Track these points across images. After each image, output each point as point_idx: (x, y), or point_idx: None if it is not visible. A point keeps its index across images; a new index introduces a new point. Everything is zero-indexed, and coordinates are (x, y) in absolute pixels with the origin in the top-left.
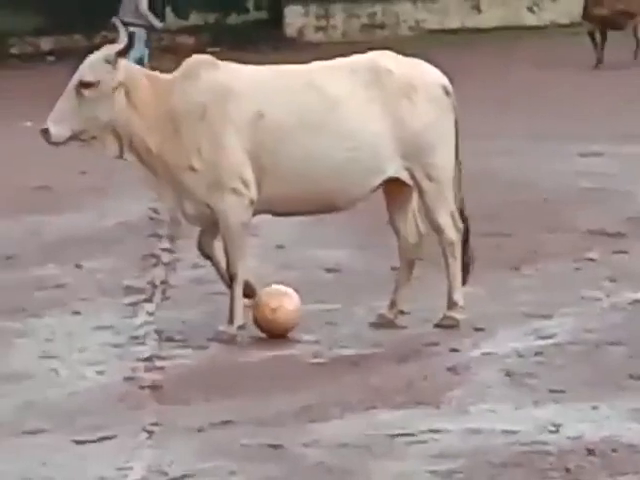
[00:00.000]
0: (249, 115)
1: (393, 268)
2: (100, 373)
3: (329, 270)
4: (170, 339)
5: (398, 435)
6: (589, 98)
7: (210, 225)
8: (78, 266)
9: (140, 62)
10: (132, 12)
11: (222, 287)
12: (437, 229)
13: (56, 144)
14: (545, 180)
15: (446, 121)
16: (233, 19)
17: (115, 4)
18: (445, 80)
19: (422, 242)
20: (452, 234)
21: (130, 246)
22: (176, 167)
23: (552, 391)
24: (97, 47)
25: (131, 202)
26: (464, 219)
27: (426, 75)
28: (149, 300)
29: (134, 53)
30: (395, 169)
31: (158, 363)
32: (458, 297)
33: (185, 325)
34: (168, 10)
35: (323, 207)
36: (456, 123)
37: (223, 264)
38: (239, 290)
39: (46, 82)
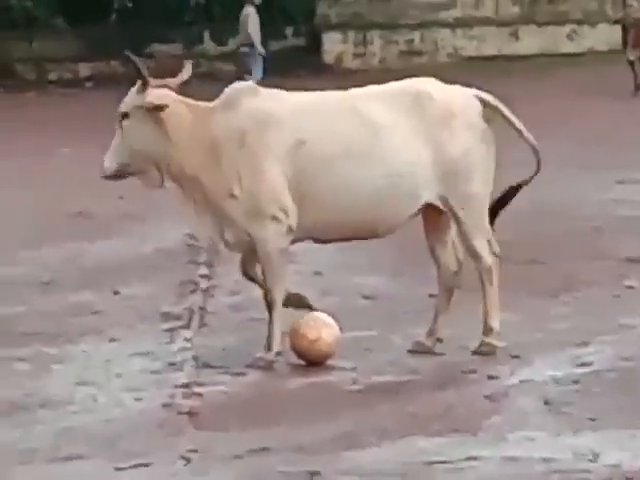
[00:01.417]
0: (290, 143)
1: (430, 295)
2: (138, 399)
3: (366, 297)
4: (208, 365)
5: (435, 463)
6: (627, 125)
7: (250, 252)
8: (115, 292)
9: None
10: (244, 32)
11: (260, 314)
12: (474, 255)
13: (108, 178)
14: (584, 208)
15: (484, 148)
16: (272, 45)
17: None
18: (482, 107)
19: (461, 270)
20: (489, 260)
21: (168, 272)
22: (216, 194)
23: (590, 419)
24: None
25: (169, 228)
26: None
27: (466, 102)
28: (187, 326)
29: (258, 73)
30: (430, 195)
31: (196, 389)
32: (495, 323)
33: (223, 351)
34: (206, 36)
35: (362, 233)
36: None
37: None
38: (277, 316)
39: (84, 108)
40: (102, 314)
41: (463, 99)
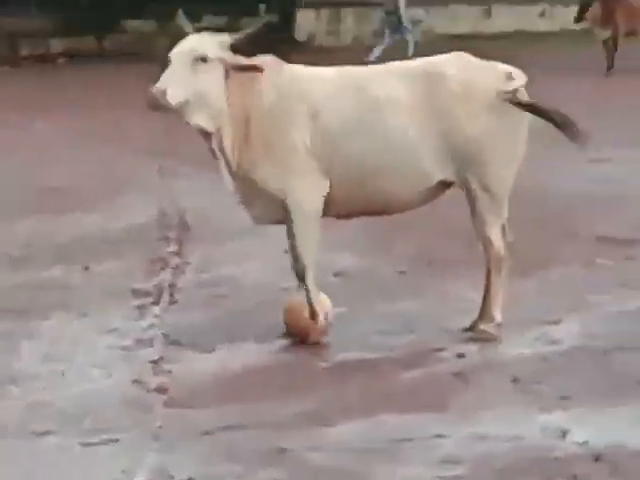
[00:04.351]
0: (308, 113)
1: (400, 272)
2: (107, 376)
3: (336, 274)
4: (177, 342)
5: (403, 440)
6: (600, 104)
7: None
8: (85, 268)
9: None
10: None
11: (229, 290)
12: (486, 241)
13: (167, 108)
14: (553, 186)
15: (509, 131)
16: (244, 22)
17: (122, 6)
18: (514, 87)
19: (509, 253)
20: (501, 249)
21: (138, 249)
22: (247, 163)
23: (559, 397)
24: (107, 49)
25: (139, 205)
26: None
27: (490, 81)
28: (156, 303)
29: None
30: (445, 174)
31: (165, 366)
32: (497, 313)
33: (192, 328)
34: (179, 13)
35: (377, 209)
36: None
37: None
38: (312, 282)
39: (57, 84)
40: (71, 290)
41: (488, 78)
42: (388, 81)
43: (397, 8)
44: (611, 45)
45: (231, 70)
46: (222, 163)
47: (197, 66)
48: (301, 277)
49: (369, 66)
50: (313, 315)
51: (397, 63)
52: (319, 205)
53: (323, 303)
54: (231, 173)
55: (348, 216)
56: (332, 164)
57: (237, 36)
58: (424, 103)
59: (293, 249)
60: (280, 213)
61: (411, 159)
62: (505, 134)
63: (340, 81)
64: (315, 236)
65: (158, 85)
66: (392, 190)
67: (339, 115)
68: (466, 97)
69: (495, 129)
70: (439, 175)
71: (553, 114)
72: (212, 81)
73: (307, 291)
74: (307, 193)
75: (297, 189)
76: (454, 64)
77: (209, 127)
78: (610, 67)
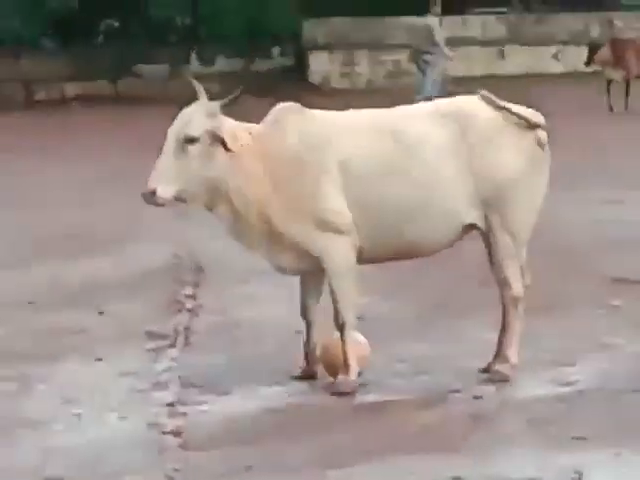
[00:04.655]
0: (337, 162)
1: (417, 316)
2: (122, 419)
3: (357, 317)
4: (193, 385)
5: None
6: (611, 146)
7: (309, 276)
8: (100, 312)
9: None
10: (428, 41)
11: (244, 333)
12: (503, 283)
13: (162, 205)
14: (566, 227)
15: (534, 173)
16: (258, 65)
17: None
18: (540, 131)
19: (525, 293)
20: (518, 289)
21: (153, 292)
22: (277, 218)
23: (574, 438)
24: (120, 94)
25: (154, 248)
26: None
27: (517, 123)
28: (172, 346)
29: (429, 89)
30: (472, 216)
31: (181, 409)
32: (512, 354)
33: (208, 371)
34: (193, 56)
35: (407, 253)
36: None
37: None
38: (350, 337)
39: (70, 127)
40: (87, 333)
41: (513, 119)
42: (420, 122)
43: (434, 45)
44: (625, 87)
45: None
46: (233, 225)
47: (187, 149)
48: (340, 330)
49: (395, 108)
50: (347, 369)
51: (426, 104)
52: (352, 260)
53: (360, 350)
54: (249, 230)
55: (372, 262)
56: (365, 212)
57: (223, 102)
58: (457, 144)
59: (333, 303)
60: (307, 263)
61: (445, 202)
62: (530, 176)
63: (369, 124)
64: (353, 290)
65: (148, 185)
66: (423, 234)
67: (371, 160)
68: (496, 138)
69: (522, 171)
70: (468, 218)
71: (523, 112)
72: (205, 161)
73: (344, 344)
74: (341, 248)
75: (330, 245)
76: (479, 104)
77: (209, 206)
78: (612, 108)
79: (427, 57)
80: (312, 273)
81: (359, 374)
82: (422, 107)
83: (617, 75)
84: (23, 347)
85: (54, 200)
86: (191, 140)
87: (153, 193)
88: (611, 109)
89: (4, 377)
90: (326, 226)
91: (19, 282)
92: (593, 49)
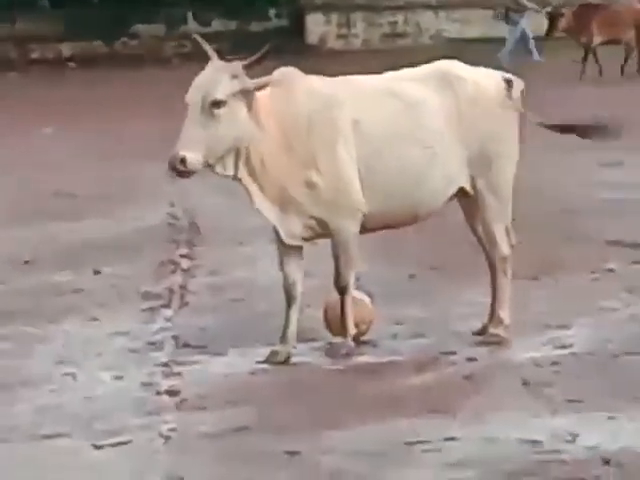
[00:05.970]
0: (350, 122)
1: (410, 276)
2: (117, 378)
3: None
4: (187, 345)
5: (414, 443)
6: (610, 109)
7: (292, 250)
8: (96, 272)
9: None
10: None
11: (240, 293)
12: (492, 242)
13: (188, 174)
14: (564, 190)
15: (512, 132)
16: (254, 27)
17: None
18: (515, 91)
19: (511, 255)
20: (505, 249)
21: (148, 252)
22: (291, 182)
23: (569, 401)
24: (116, 54)
25: (149, 208)
26: None
27: (494, 83)
28: (167, 306)
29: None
30: (463, 177)
31: (175, 369)
32: (505, 315)
33: (203, 331)
34: (190, 17)
35: (406, 220)
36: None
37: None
38: (350, 301)
39: (66, 88)
40: (82, 293)
41: (491, 80)
42: (413, 85)
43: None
44: (585, 55)
45: (254, 92)
46: (254, 187)
47: (214, 113)
48: (342, 292)
49: (385, 73)
50: (345, 331)
51: (414, 69)
52: (357, 229)
53: (365, 312)
54: (264, 191)
55: (373, 230)
56: (372, 175)
57: (246, 62)
58: (451, 107)
59: (336, 268)
60: (316, 231)
61: (445, 165)
62: (511, 135)
63: (373, 88)
64: (356, 256)
65: (176, 151)
66: (423, 199)
67: (377, 122)
68: (480, 98)
69: (504, 130)
70: (462, 181)
71: (577, 129)
72: (233, 122)
73: (344, 306)
74: (350, 221)
75: (342, 218)
76: (459, 67)
77: (236, 173)
78: (600, 73)
79: (514, 16)
80: (295, 248)
81: (363, 334)
82: (412, 71)
83: (597, 40)
84: (18, 307)
85: (49, 160)
86: (218, 103)
87: (182, 161)
88: (600, 73)
89: (0, 336)
90: (339, 200)
91: (14, 242)
92: (553, 18)
